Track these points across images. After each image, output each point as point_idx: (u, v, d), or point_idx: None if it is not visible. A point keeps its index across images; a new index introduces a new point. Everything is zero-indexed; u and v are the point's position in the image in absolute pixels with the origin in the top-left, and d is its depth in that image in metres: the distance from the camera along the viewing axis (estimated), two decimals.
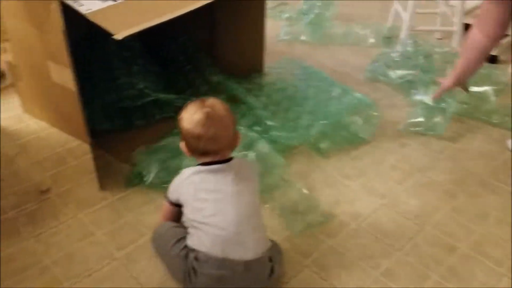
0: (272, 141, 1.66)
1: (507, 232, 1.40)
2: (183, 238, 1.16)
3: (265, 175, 1.50)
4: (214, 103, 1.12)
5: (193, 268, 1.10)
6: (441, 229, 1.41)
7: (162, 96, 1.75)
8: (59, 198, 1.49)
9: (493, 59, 2.34)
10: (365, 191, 1.56)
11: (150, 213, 1.43)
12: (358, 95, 1.87)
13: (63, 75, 1.46)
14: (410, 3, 2.30)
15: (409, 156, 1.73)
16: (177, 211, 1.21)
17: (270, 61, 2.19)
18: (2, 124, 1.82)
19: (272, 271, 1.14)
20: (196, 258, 1.10)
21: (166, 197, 1.24)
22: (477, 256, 1.32)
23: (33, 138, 1.76)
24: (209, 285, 1.11)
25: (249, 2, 1.93)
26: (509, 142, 1.77)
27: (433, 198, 1.53)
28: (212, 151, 1.12)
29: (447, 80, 1.63)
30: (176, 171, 1.24)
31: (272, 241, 1.21)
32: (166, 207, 1.25)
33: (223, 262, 1.08)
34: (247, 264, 1.09)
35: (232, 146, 1.16)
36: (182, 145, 1.16)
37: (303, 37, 2.66)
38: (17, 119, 1.87)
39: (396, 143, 1.80)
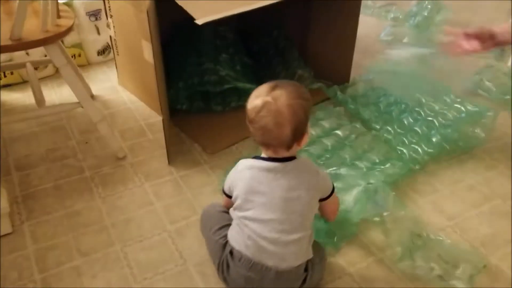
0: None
1: None
2: (227, 225, 1.16)
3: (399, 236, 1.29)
4: (282, 94, 1.01)
5: (227, 261, 1.11)
6: (508, 264, 1.26)
7: (240, 84, 1.78)
8: (131, 167, 1.60)
9: None
10: (433, 209, 1.45)
11: (207, 194, 1.48)
12: (478, 105, 1.80)
13: (150, 52, 1.56)
14: None
15: (493, 179, 1.57)
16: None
17: (366, 61, 2.12)
18: (99, 93, 2.01)
19: (304, 281, 1.10)
20: (231, 252, 1.10)
21: (223, 189, 1.21)
22: None
23: (122, 109, 1.91)
24: (237, 282, 1.10)
25: (345, 2, 1.88)
26: None
27: (508, 229, 1.38)
28: (260, 142, 1.07)
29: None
30: None
31: (317, 244, 1.16)
32: (224, 199, 1.22)
33: (255, 265, 1.06)
34: (279, 273, 1.05)
35: (288, 145, 1.04)
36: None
37: (405, 40, 2.52)
38: (113, 89, 2.04)
39: (483, 164, 1.64)
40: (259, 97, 1.02)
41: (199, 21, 1.37)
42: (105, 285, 1.20)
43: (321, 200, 1.13)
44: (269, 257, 1.05)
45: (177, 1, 1.37)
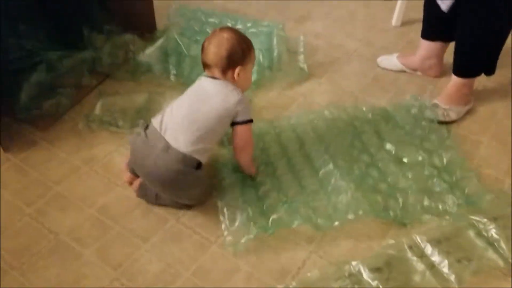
0: None
1: None
2: None
3: None
4: (229, 31, 1.35)
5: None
6: None
7: (51, 54, 1.74)
8: None
9: None
10: None
11: (55, 168, 1.51)
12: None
13: None
14: None
15: None
16: None
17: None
18: None
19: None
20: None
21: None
22: None
23: None
24: None
25: None
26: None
27: None
28: (203, 62, 1.36)
29: None
30: None
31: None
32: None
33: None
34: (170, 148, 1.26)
35: (222, 68, 1.33)
36: None
37: None
38: None
39: None
40: (214, 30, 1.38)
41: None
42: None
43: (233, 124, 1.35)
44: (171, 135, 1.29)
45: None
